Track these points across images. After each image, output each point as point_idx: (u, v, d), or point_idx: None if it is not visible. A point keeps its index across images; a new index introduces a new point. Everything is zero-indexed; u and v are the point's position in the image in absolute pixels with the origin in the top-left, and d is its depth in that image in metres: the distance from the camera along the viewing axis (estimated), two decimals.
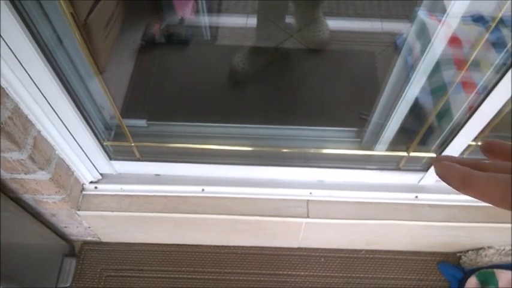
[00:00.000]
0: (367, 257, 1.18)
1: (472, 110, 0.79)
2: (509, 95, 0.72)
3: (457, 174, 0.21)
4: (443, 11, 0.70)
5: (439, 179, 0.22)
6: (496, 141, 0.23)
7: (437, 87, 1.03)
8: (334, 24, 1.47)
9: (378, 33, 1.52)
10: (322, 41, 1.43)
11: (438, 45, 0.74)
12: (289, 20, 1.37)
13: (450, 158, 0.23)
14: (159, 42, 1.42)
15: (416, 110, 0.95)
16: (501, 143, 0.23)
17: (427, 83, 0.90)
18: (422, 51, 0.78)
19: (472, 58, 0.76)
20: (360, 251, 1.19)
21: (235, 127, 1.04)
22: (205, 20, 1.53)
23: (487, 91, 0.74)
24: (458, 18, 0.69)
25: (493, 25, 0.80)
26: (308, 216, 0.98)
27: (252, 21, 1.41)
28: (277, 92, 1.36)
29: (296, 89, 1.36)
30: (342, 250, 1.18)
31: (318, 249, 1.18)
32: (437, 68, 0.83)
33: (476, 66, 0.89)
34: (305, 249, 1.18)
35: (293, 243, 1.17)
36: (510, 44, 0.74)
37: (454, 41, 1.02)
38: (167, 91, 1.36)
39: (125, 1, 1.42)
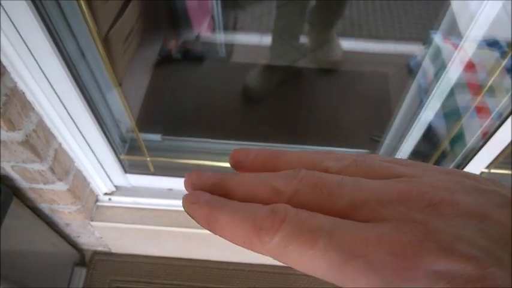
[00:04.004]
0: None
1: (487, 136, 0.79)
2: None
3: (201, 213, 0.15)
4: (459, 34, 0.71)
5: None
6: (244, 151, 0.17)
7: (450, 111, 1.03)
8: (347, 45, 1.50)
9: (391, 55, 1.53)
10: (335, 62, 1.45)
11: (454, 71, 0.74)
12: (303, 40, 1.40)
13: (200, 177, 0.16)
14: (175, 58, 1.45)
15: (429, 134, 0.95)
16: (251, 152, 0.17)
17: (441, 106, 0.91)
18: (437, 76, 0.79)
19: (488, 85, 0.77)
20: None
21: (247, 144, 1.05)
22: (221, 37, 1.56)
23: (502, 118, 0.74)
24: (476, 43, 0.69)
25: (511, 52, 0.81)
26: None
27: (267, 40, 1.44)
28: (289, 110, 1.38)
29: (308, 109, 1.37)
30: None
31: None
32: (450, 91, 0.84)
33: (491, 92, 0.89)
34: None
35: None
36: None
37: (468, 65, 1.02)
38: (182, 106, 1.38)
39: (144, 17, 1.46)
